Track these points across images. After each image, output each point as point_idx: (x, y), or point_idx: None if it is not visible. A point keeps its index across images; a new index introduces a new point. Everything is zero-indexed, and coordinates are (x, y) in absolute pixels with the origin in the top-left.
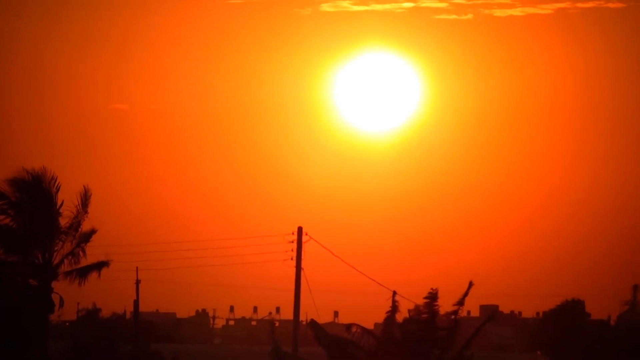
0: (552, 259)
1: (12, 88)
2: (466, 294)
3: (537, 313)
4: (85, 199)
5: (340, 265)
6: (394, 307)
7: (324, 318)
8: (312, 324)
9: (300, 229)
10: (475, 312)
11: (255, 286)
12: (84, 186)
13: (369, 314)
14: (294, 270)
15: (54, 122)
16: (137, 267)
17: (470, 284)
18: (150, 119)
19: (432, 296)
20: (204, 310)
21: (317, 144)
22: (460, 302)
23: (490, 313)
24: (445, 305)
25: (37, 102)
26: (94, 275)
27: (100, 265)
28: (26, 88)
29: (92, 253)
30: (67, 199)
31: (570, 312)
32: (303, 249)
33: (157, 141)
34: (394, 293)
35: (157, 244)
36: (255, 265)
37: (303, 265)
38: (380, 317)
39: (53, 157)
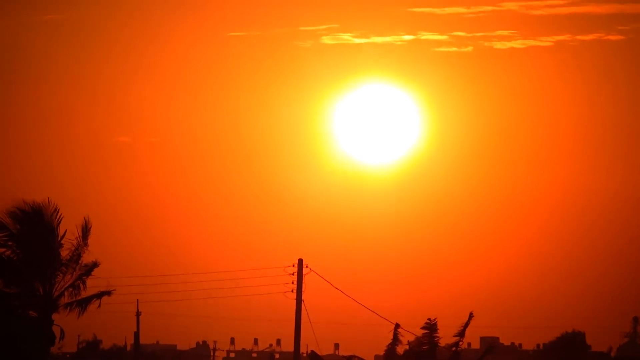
0: (553, 290)
1: (16, 121)
2: (466, 325)
3: (538, 345)
4: (85, 230)
5: (341, 296)
6: (395, 340)
7: (324, 350)
8: (313, 355)
9: (300, 262)
10: (476, 344)
11: (256, 318)
12: (84, 218)
13: (370, 345)
14: (294, 302)
15: (57, 154)
16: (137, 299)
17: (471, 316)
18: (151, 151)
19: (431, 327)
20: (204, 342)
21: (318, 175)
22: (461, 334)
23: (489, 345)
24: (446, 335)
25: (40, 135)
26: (94, 306)
27: (101, 295)
28: (30, 121)
29: (93, 284)
30: (69, 231)
31: (570, 344)
32: (304, 280)
33: (158, 173)
34: (396, 326)
35: (158, 276)
36: (255, 297)
37: (303, 297)
38: (381, 349)
39: (56, 189)
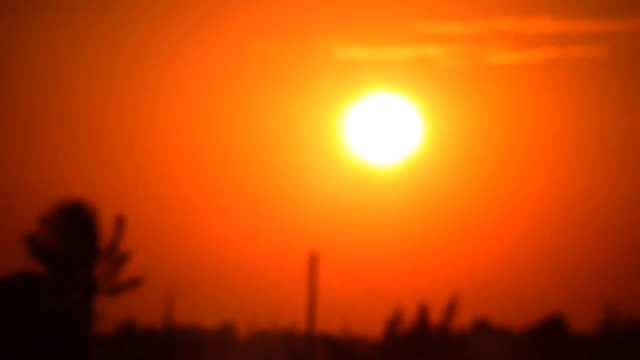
0: (539, 275)
1: (63, 129)
2: (450, 307)
3: (524, 326)
4: (120, 225)
5: (351, 282)
6: (394, 324)
7: (335, 329)
8: (325, 340)
9: (314, 254)
10: (467, 326)
11: (276, 301)
12: (119, 214)
13: (376, 325)
14: (310, 288)
15: (100, 156)
16: (170, 284)
17: (452, 299)
18: (182, 153)
19: (422, 310)
20: (229, 322)
21: (332, 173)
22: (448, 314)
23: (479, 325)
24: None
25: (85, 140)
26: (131, 291)
27: (134, 282)
28: (76, 128)
29: (129, 271)
30: (107, 225)
31: (552, 326)
32: (317, 268)
33: (188, 173)
34: (396, 312)
35: (189, 264)
36: (276, 283)
37: (318, 282)
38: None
39: (97, 187)
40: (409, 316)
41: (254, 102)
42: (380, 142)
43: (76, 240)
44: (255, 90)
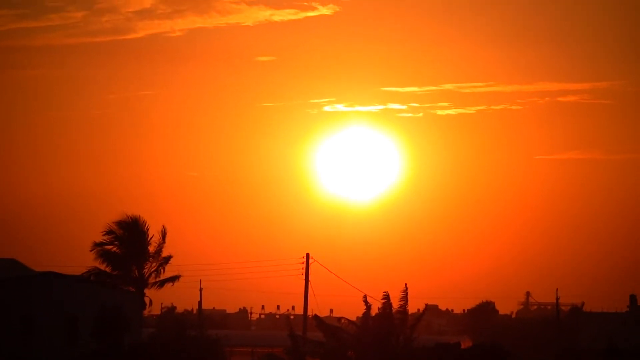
0: (476, 274)
1: (125, 161)
2: (404, 293)
3: (463, 310)
4: (163, 235)
5: (334, 279)
6: (368, 306)
7: (323, 313)
8: (316, 317)
9: (307, 255)
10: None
11: (279, 292)
12: (163, 226)
13: (354, 309)
14: (304, 281)
15: (153, 184)
16: (200, 280)
17: (406, 287)
18: (212, 184)
19: (386, 297)
20: (244, 307)
21: (314, 209)
22: (404, 299)
23: (426, 308)
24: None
25: (142, 167)
26: (170, 284)
27: (175, 278)
28: (135, 159)
29: (171, 269)
30: (154, 234)
31: (484, 310)
32: (310, 268)
33: (217, 200)
34: (365, 296)
35: (215, 265)
36: (279, 278)
37: (310, 278)
38: (361, 312)
39: (147, 208)
40: (377, 303)
41: (267, 144)
42: (356, 181)
43: (131, 246)
44: (268, 135)
